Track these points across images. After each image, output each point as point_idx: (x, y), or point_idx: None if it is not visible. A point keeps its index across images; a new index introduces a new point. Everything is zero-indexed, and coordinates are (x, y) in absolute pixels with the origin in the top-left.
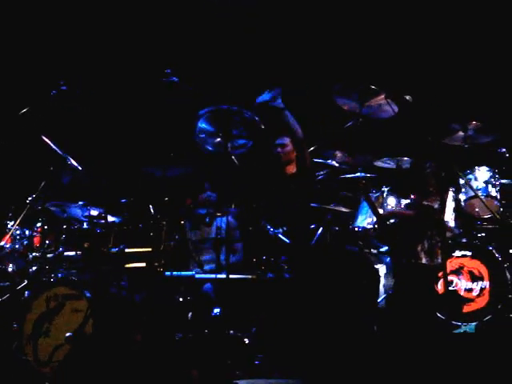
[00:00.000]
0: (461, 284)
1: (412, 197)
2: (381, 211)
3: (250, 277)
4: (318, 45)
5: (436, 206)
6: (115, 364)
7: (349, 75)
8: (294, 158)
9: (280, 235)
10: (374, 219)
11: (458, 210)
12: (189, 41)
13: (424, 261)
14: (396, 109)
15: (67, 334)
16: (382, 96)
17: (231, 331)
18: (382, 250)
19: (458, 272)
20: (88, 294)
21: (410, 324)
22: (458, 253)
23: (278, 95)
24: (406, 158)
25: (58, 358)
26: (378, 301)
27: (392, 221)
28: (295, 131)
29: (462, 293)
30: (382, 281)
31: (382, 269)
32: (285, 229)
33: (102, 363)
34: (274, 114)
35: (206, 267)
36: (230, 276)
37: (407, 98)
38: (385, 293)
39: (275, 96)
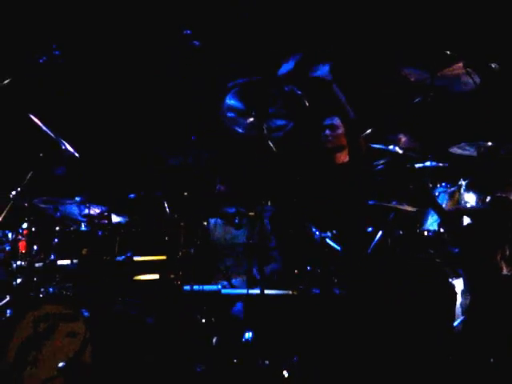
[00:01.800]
0: None
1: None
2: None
3: (290, 293)
4: None
5: None
6: None
7: (417, 37)
8: (345, 143)
9: (328, 240)
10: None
11: None
12: None
13: (506, 271)
14: (478, 80)
15: (60, 364)
16: (461, 64)
17: (266, 361)
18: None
19: None
20: (86, 314)
21: (492, 353)
22: None
23: (319, 64)
24: (489, 144)
25: None
26: (455, 324)
27: (463, 221)
28: (346, 110)
29: None
30: (459, 299)
31: (459, 284)
32: (335, 232)
33: None
34: (319, 88)
35: (235, 281)
36: (265, 291)
37: (493, 66)
38: (463, 314)
39: (308, 64)
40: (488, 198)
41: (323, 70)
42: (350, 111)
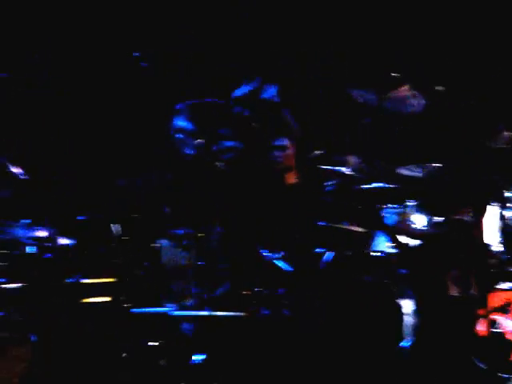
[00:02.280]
0: (508, 325)
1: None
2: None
3: (239, 314)
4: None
5: (467, 219)
6: None
7: (365, 59)
8: (294, 164)
9: (278, 261)
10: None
11: (504, 230)
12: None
13: (454, 292)
14: (424, 102)
15: None
16: (407, 86)
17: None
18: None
19: (504, 309)
20: (34, 338)
21: (443, 377)
22: (504, 285)
23: (267, 86)
24: (437, 165)
25: None
26: (402, 345)
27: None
28: (295, 131)
29: (510, 336)
30: (408, 320)
31: (407, 305)
32: (284, 253)
33: None
34: (266, 111)
35: (185, 303)
36: (215, 313)
37: (439, 88)
38: (410, 335)
39: (260, 87)
40: (436, 220)
41: (270, 92)
42: (298, 133)
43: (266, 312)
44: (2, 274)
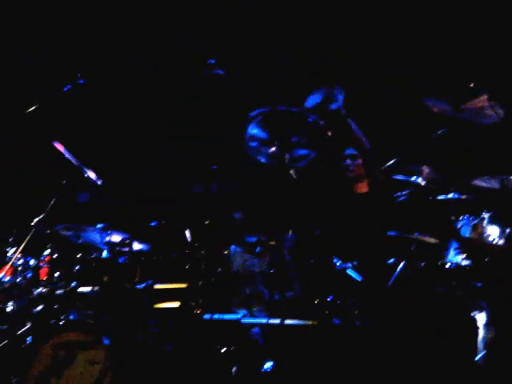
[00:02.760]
0: None
1: None
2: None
3: (310, 323)
4: (396, 25)
5: None
6: None
7: (441, 68)
8: (364, 174)
9: (349, 271)
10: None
11: None
12: (238, 24)
13: None
14: (502, 113)
15: None
16: (485, 97)
17: None
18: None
19: None
20: (107, 342)
21: None
22: None
23: (336, 96)
24: None
25: None
26: (476, 359)
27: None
28: (361, 143)
29: None
30: (482, 333)
31: (481, 318)
32: (355, 263)
33: None
34: (333, 121)
35: (255, 310)
36: (286, 321)
37: None
38: (484, 349)
39: (331, 97)
40: (509, 231)
41: (338, 103)
42: (365, 143)
43: (337, 321)
44: (77, 277)
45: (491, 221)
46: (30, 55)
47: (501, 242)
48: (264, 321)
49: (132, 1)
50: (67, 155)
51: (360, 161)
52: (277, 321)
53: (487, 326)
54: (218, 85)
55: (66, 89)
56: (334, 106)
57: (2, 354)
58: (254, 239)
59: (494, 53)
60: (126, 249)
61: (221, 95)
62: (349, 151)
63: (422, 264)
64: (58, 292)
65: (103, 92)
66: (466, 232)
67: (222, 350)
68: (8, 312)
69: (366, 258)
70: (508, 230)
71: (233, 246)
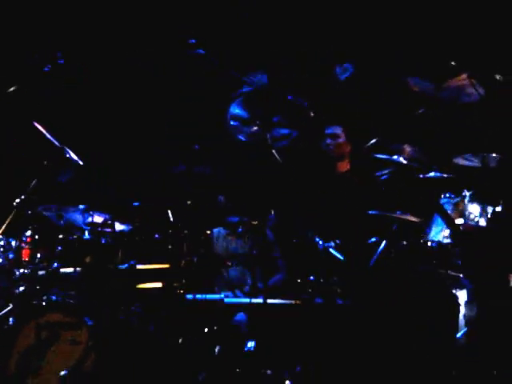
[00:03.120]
0: None
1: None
2: (461, 221)
3: (293, 302)
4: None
5: None
6: None
7: (422, 47)
8: (347, 152)
9: (331, 250)
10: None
11: None
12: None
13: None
14: (482, 92)
15: (62, 373)
16: (465, 75)
17: (269, 370)
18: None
19: None
20: (89, 322)
21: (496, 367)
22: None
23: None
24: (494, 155)
25: None
26: (457, 336)
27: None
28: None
29: None
30: (463, 310)
31: (462, 295)
32: (338, 242)
33: None
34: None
35: (238, 291)
36: (268, 301)
37: (498, 77)
38: (465, 326)
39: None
40: (491, 209)
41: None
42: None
43: (320, 300)
44: (59, 258)
45: (472, 199)
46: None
47: (481, 219)
48: (247, 300)
49: None
50: (48, 135)
51: (341, 140)
52: (259, 300)
53: (468, 303)
54: (200, 64)
55: (46, 69)
56: (342, 77)
57: None
58: (235, 219)
59: (474, 31)
60: (108, 229)
61: (203, 75)
62: (330, 130)
63: (404, 243)
64: (40, 273)
65: (83, 74)
66: (448, 210)
67: (205, 330)
68: None
69: (348, 237)
70: (488, 208)
71: (216, 229)
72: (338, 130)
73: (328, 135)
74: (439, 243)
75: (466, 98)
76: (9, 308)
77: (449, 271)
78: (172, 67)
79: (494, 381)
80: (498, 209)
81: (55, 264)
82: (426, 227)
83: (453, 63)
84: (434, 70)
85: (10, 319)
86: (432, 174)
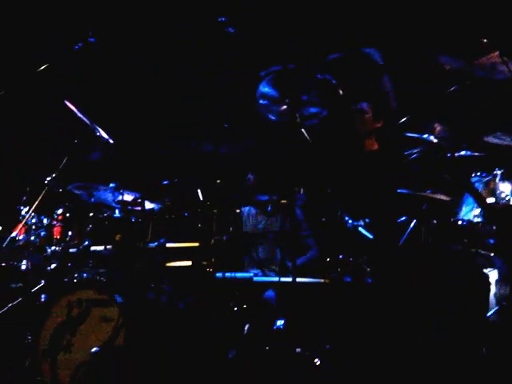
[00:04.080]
0: None
1: None
2: (492, 200)
3: (322, 281)
4: None
5: None
6: None
7: (453, 25)
8: (374, 129)
9: (361, 229)
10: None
11: None
12: None
13: None
14: None
15: (93, 349)
16: (497, 53)
17: (298, 349)
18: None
19: None
20: (119, 300)
21: None
22: None
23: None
24: None
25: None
26: (488, 315)
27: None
28: (390, 99)
29: None
30: (493, 289)
31: (493, 274)
32: (367, 221)
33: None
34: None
35: (268, 269)
36: (297, 279)
37: None
38: (496, 304)
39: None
40: None
41: (376, 56)
42: (393, 101)
43: (349, 279)
44: (90, 236)
45: (503, 178)
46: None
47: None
48: (276, 279)
49: None
50: (79, 114)
51: (367, 116)
52: (288, 279)
53: (499, 282)
54: (229, 43)
55: (76, 47)
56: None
57: (17, 311)
58: (265, 198)
59: (506, 7)
60: (138, 208)
61: (232, 54)
62: (357, 106)
63: (434, 222)
64: (72, 250)
65: (114, 50)
66: (478, 189)
67: (234, 309)
68: (22, 270)
69: (378, 216)
70: None
71: (246, 207)
72: (365, 106)
73: (355, 111)
74: (470, 222)
75: (498, 75)
76: (41, 285)
77: (479, 250)
78: (202, 43)
79: None
80: None
81: (86, 242)
82: (456, 206)
83: (484, 40)
84: (465, 47)
85: (42, 296)
86: (463, 152)
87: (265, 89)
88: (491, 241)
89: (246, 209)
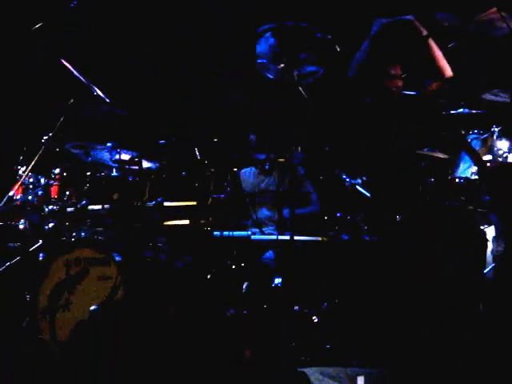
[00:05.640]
0: None
1: None
2: (489, 157)
3: (319, 239)
4: None
5: None
6: (149, 343)
7: None
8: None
9: (359, 187)
10: None
11: None
12: None
13: None
14: None
15: (92, 308)
16: (495, 9)
17: (296, 307)
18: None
19: None
20: (118, 258)
21: None
22: None
23: None
24: None
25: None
26: (485, 271)
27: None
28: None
29: None
30: (490, 246)
31: (490, 231)
32: (364, 179)
33: (134, 342)
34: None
35: (266, 229)
36: (295, 237)
37: None
38: (493, 261)
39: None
40: None
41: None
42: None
43: (346, 237)
44: (87, 195)
45: (501, 135)
46: None
47: (510, 156)
48: (273, 237)
49: None
50: (75, 73)
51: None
52: (286, 237)
53: (496, 239)
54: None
55: (72, 4)
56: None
57: (16, 270)
58: (262, 156)
59: None
60: (136, 167)
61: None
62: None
63: (432, 179)
64: (69, 209)
65: (111, 12)
66: (476, 147)
67: (232, 267)
68: (20, 229)
69: (375, 174)
70: None
71: (247, 168)
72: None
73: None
74: (467, 179)
75: (496, 32)
76: (39, 244)
77: (477, 207)
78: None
79: None
80: None
81: (84, 201)
82: (453, 164)
83: None
84: (463, 4)
85: (40, 255)
86: (460, 110)
87: (262, 47)
88: (488, 198)
89: (248, 169)
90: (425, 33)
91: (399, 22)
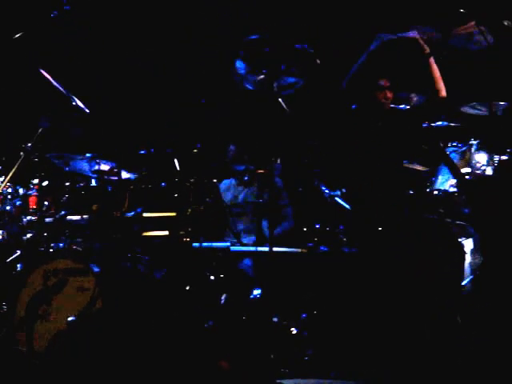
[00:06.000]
0: None
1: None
2: (467, 170)
3: (298, 250)
4: None
5: None
6: (127, 354)
7: None
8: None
9: (338, 199)
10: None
11: None
12: None
13: None
14: (491, 39)
15: (70, 318)
16: (473, 23)
17: (275, 318)
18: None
19: None
20: (96, 269)
21: (503, 314)
22: None
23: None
24: (502, 103)
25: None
26: (463, 284)
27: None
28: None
29: None
30: (468, 259)
31: (468, 244)
32: (344, 191)
33: (110, 353)
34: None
35: (245, 238)
36: (274, 249)
37: (506, 23)
38: (471, 274)
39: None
40: (497, 158)
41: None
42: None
43: (325, 249)
44: (66, 205)
45: (479, 148)
46: None
47: (488, 168)
48: (253, 249)
49: None
50: (54, 83)
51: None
52: (266, 249)
53: (474, 251)
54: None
55: (52, 15)
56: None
57: None
58: (241, 168)
59: None
60: (115, 177)
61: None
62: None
63: (411, 192)
64: (48, 220)
65: (90, 22)
66: (454, 159)
67: (211, 278)
68: None
69: (355, 186)
70: (495, 157)
71: (227, 180)
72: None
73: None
74: (445, 192)
75: (475, 45)
76: (17, 254)
77: (455, 220)
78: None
79: (499, 326)
80: (505, 158)
81: (62, 211)
82: (432, 176)
83: (461, 10)
84: (441, 17)
85: (18, 265)
86: (439, 122)
87: (241, 63)
88: (466, 211)
89: (228, 181)
90: (428, 51)
91: (402, 40)
